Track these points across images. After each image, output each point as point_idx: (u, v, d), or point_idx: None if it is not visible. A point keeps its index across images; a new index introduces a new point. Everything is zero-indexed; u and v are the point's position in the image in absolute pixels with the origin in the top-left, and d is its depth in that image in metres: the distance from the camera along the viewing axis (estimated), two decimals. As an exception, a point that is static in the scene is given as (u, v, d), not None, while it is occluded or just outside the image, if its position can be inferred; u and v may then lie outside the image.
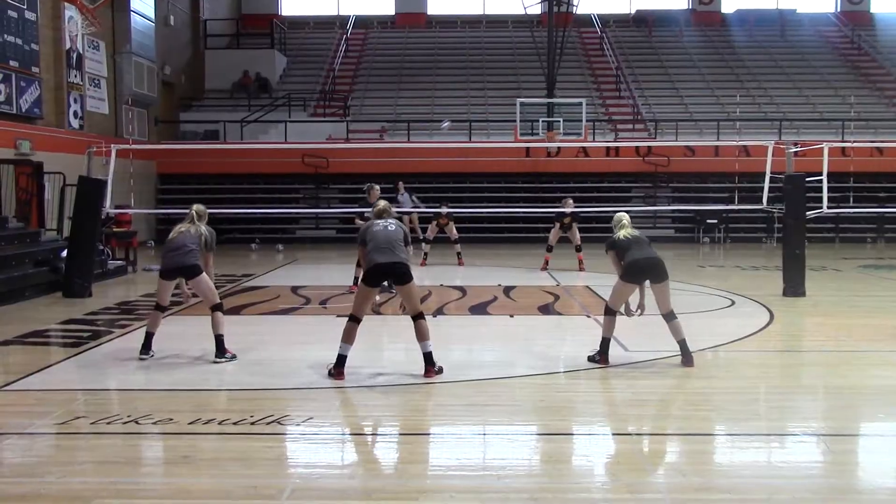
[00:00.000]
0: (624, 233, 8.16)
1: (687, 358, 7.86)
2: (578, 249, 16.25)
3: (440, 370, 7.57)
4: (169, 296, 8.56)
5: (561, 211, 16.19)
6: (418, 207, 18.65)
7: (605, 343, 8.04)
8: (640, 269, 7.95)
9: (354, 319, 7.52)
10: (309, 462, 5.47)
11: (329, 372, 7.44)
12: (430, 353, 7.58)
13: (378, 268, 7.48)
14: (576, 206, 16.52)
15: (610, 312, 8.12)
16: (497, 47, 31.21)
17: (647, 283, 8.05)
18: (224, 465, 5.21)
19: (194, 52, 28.46)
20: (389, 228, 7.70)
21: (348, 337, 7.47)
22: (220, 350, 8.26)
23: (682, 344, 7.89)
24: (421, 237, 17.59)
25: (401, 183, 18.63)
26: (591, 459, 5.53)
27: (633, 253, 7.98)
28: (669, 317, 7.97)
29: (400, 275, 7.52)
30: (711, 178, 23.77)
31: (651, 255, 7.98)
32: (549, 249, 16.36)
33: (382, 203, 8.08)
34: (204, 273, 8.37)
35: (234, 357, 8.25)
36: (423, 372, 7.51)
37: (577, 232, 16.25)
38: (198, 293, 8.57)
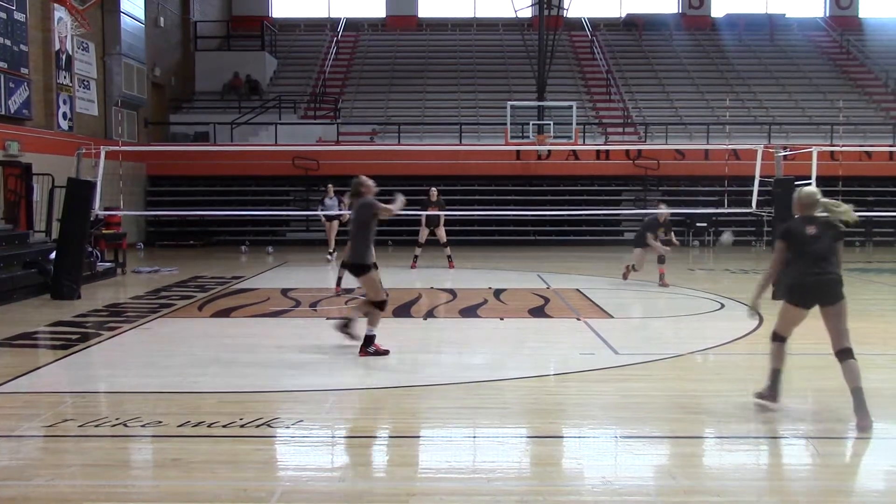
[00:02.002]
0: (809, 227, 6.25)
1: (861, 415, 6.08)
2: (661, 261, 14.19)
3: (376, 352, 8.40)
4: None
5: (654, 219, 14.24)
6: (342, 213, 17.06)
7: (774, 374, 6.55)
8: (807, 291, 6.29)
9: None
10: (298, 465, 5.46)
11: None
12: (368, 336, 8.46)
13: None
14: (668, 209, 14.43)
15: (777, 338, 6.59)
16: (488, 50, 31.26)
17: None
18: (213, 468, 5.19)
19: (184, 53, 28.39)
20: (350, 228, 8.72)
21: None
22: None
23: (856, 393, 6.17)
24: (330, 250, 17.88)
25: (330, 186, 18.50)
26: (581, 462, 5.53)
27: (802, 266, 6.26)
28: (843, 355, 6.26)
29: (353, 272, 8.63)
30: (701, 182, 23.86)
31: (825, 270, 6.20)
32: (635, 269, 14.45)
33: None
34: None
35: None
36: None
37: (673, 235, 14.39)
38: None
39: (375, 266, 8.63)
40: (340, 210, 17.45)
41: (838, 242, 6.32)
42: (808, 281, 6.24)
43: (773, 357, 6.60)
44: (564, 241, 23.30)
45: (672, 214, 23.02)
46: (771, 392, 6.56)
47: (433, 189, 17.15)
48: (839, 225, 6.33)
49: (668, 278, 14.27)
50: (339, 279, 13.22)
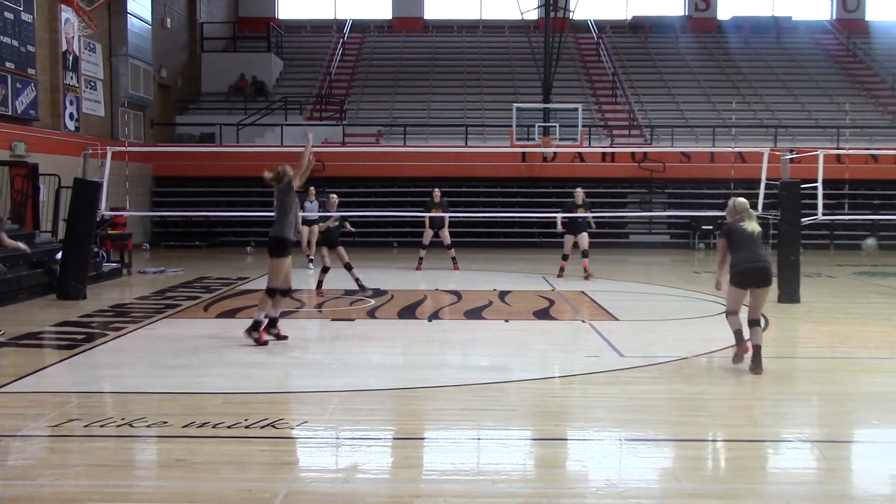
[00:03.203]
0: (748, 226, 7.98)
1: (756, 364, 7.87)
2: (585, 255, 15.61)
3: (257, 340, 8.94)
4: None
5: (572, 202, 15.58)
6: (319, 220, 15.93)
7: (737, 335, 8.03)
8: (748, 274, 7.90)
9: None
10: (303, 466, 5.47)
11: None
12: (256, 321, 9.10)
13: None
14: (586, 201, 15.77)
15: (731, 313, 8.12)
16: (494, 52, 31.25)
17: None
18: (218, 469, 5.20)
19: (191, 54, 28.45)
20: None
21: None
22: None
23: (757, 349, 7.93)
24: (311, 255, 17.11)
25: (312, 189, 17.84)
26: (586, 464, 5.53)
27: (742, 255, 7.91)
28: (755, 322, 8.01)
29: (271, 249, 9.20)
30: (707, 185, 23.81)
31: (761, 258, 7.94)
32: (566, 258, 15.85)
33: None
34: None
35: None
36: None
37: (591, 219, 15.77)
38: None
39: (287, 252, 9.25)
40: (321, 213, 16.65)
41: (760, 237, 8.04)
42: (748, 268, 7.86)
43: (731, 323, 8.09)
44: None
45: (677, 217, 23.24)
46: (741, 348, 8.00)
47: (437, 190, 17.12)
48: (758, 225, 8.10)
49: (673, 281, 14.26)
50: (320, 282, 13.29)
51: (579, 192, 15.74)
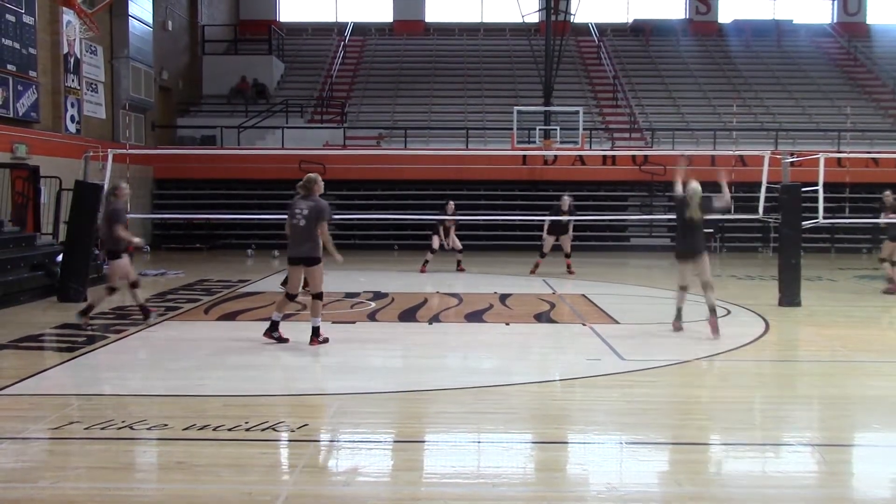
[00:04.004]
0: (689, 213, 9.98)
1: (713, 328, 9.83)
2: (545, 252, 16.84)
3: (325, 341, 9.13)
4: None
5: (557, 207, 16.60)
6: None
7: (678, 312, 10.20)
8: (678, 256, 10.19)
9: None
10: (303, 469, 5.46)
11: None
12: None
13: (288, 261, 9.40)
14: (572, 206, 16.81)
15: (680, 288, 10.25)
16: (494, 55, 31.27)
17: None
18: (218, 472, 5.20)
19: (192, 57, 28.47)
20: (300, 224, 9.26)
21: None
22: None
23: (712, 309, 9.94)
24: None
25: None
26: (586, 468, 5.53)
27: (677, 239, 10.29)
28: (706, 286, 9.98)
29: (305, 262, 9.23)
30: (708, 188, 23.75)
31: (686, 246, 10.02)
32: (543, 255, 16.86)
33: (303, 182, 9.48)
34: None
35: None
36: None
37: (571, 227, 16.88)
38: None
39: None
40: None
41: (699, 220, 9.98)
42: (676, 248, 10.25)
43: (678, 300, 10.24)
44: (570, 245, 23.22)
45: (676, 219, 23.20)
46: (674, 324, 10.18)
47: (451, 203, 17.25)
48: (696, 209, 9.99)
49: (674, 284, 14.22)
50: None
51: (566, 200, 16.70)
